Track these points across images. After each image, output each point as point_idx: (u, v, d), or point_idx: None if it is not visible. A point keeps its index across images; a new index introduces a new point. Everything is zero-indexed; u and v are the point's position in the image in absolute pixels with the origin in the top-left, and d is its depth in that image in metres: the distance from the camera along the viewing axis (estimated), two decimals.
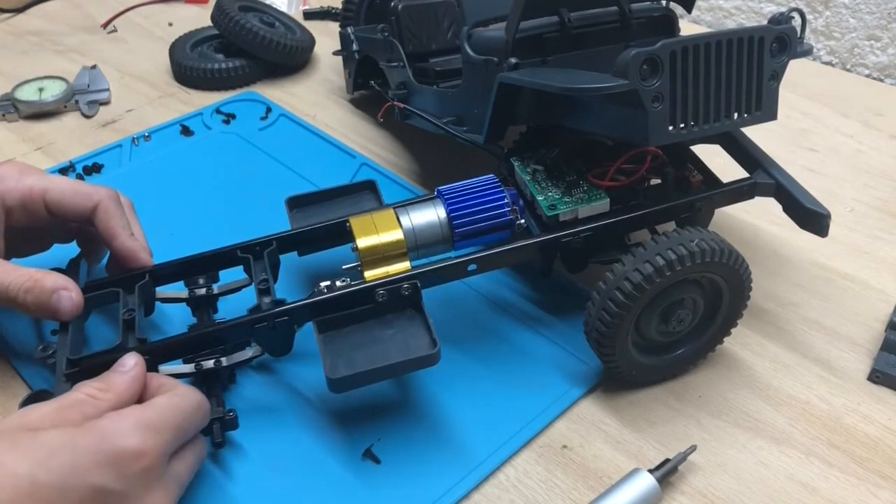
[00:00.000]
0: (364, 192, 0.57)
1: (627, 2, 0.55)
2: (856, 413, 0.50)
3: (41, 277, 0.47)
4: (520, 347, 0.54)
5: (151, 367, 0.45)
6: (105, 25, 0.98)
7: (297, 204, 0.56)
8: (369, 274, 0.48)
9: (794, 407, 0.50)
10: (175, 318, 0.55)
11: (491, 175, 0.52)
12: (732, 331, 0.52)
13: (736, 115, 0.46)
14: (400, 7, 0.69)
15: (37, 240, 0.54)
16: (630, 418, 0.50)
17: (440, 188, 0.51)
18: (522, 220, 0.51)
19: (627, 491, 0.44)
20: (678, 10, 0.58)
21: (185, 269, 0.52)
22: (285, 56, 0.84)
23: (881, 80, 0.90)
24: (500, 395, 0.50)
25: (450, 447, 0.47)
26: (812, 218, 0.52)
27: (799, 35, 0.48)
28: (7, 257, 0.51)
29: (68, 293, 0.47)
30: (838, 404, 0.51)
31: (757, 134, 0.55)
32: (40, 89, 0.81)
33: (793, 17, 0.49)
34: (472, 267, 0.49)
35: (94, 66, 0.86)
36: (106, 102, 0.82)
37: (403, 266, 0.48)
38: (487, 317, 0.56)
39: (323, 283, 0.47)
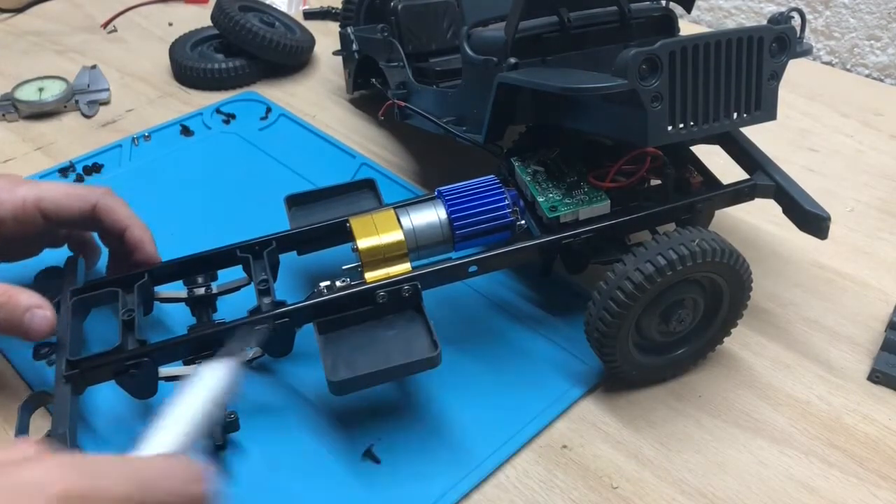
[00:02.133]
0: (363, 191, 0.57)
1: (627, 2, 0.55)
2: (856, 413, 0.50)
3: (16, 294, 0.45)
4: (520, 347, 0.54)
5: (152, 368, 0.46)
6: (105, 25, 0.98)
7: (296, 202, 0.56)
8: (370, 275, 0.47)
9: (794, 407, 0.50)
10: (174, 317, 0.55)
11: (491, 176, 0.52)
12: (732, 331, 0.52)
13: (735, 115, 0.46)
14: (400, 7, 0.69)
15: (27, 246, 0.54)
16: (630, 418, 0.50)
17: (440, 188, 0.51)
18: (523, 221, 0.51)
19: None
20: (678, 9, 0.58)
21: (184, 268, 0.52)
22: (285, 56, 0.84)
23: (881, 80, 0.90)
24: (500, 395, 0.50)
25: (450, 447, 0.47)
26: (812, 220, 0.52)
27: (798, 35, 0.48)
28: (10, 258, 0.52)
29: (42, 311, 0.45)
30: (838, 404, 0.50)
31: (757, 134, 0.55)
32: (40, 89, 0.81)
33: (792, 17, 0.49)
34: (472, 268, 0.49)
35: (94, 66, 0.86)
36: (106, 102, 0.82)
37: (404, 267, 0.48)
38: (487, 317, 0.56)
39: (323, 284, 0.47)
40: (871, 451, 0.48)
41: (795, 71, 0.52)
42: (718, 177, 0.54)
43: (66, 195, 0.51)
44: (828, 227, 0.51)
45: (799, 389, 0.51)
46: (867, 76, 0.91)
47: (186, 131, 0.76)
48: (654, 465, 0.47)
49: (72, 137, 0.77)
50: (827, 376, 0.52)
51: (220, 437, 0.45)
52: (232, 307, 0.50)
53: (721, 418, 0.50)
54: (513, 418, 0.49)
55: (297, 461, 0.47)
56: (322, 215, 0.54)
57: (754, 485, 0.46)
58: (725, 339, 0.52)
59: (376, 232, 0.48)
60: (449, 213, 0.50)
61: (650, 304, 0.47)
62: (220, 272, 0.53)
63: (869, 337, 0.55)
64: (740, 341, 0.54)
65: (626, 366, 0.49)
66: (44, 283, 0.54)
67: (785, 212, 0.53)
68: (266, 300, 0.47)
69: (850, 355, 0.54)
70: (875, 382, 0.52)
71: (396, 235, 0.48)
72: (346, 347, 0.45)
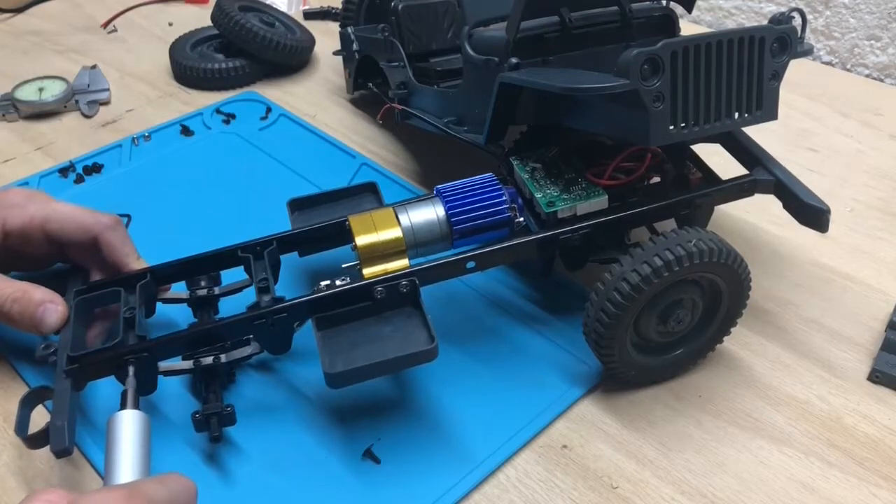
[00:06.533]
0: (365, 194, 0.57)
1: (628, 2, 0.55)
2: (856, 413, 0.50)
3: (30, 289, 0.49)
4: (520, 347, 0.54)
5: (151, 363, 0.46)
6: (105, 25, 0.98)
7: (298, 206, 0.56)
8: (368, 271, 0.48)
9: (794, 407, 0.50)
10: (177, 319, 0.54)
11: (490, 174, 0.52)
12: (732, 331, 0.52)
13: (736, 114, 0.46)
14: (400, 7, 0.69)
15: (35, 261, 0.54)
16: (630, 418, 0.50)
17: (439, 187, 0.51)
18: (521, 219, 0.51)
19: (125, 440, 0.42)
20: (678, 9, 0.58)
21: (185, 269, 0.52)
22: (285, 56, 0.84)
23: (881, 80, 0.90)
24: (500, 395, 0.50)
25: (450, 447, 0.47)
26: (812, 213, 0.51)
27: (799, 35, 0.48)
28: (8, 269, 0.53)
29: (54, 306, 0.48)
30: (838, 404, 0.50)
31: (757, 134, 0.55)
32: (40, 89, 0.81)
33: (793, 17, 0.49)
34: (470, 264, 0.49)
35: (94, 66, 0.86)
36: (106, 102, 0.82)
37: (402, 263, 0.48)
38: (487, 316, 0.56)
39: (323, 283, 0.47)
40: (871, 451, 0.48)
41: (795, 71, 0.52)
42: (718, 174, 0.54)
43: (72, 220, 0.52)
44: (828, 220, 0.51)
45: (799, 389, 0.51)
46: (867, 76, 0.91)
47: (186, 131, 0.76)
48: (654, 465, 0.47)
49: (72, 137, 0.77)
50: (827, 376, 0.52)
51: (216, 428, 0.45)
52: (234, 309, 0.50)
53: (721, 418, 0.50)
54: (513, 418, 0.49)
55: (296, 461, 0.47)
56: (324, 219, 0.54)
57: (754, 485, 0.46)
58: (725, 339, 0.52)
59: (375, 229, 0.49)
60: (447, 210, 0.50)
61: (648, 305, 0.47)
62: (222, 273, 0.53)
63: (869, 337, 0.55)
64: (740, 341, 0.54)
65: (624, 366, 0.49)
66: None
67: (785, 206, 0.53)
68: (265, 297, 0.47)
69: (850, 355, 0.54)
70: (875, 382, 0.52)
71: (395, 232, 0.49)
72: (344, 342, 0.45)
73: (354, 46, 0.75)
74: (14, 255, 0.53)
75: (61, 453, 0.41)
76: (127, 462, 0.41)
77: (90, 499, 0.34)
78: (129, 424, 0.42)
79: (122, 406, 0.43)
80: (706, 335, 0.51)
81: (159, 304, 0.52)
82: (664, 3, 0.58)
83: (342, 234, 0.51)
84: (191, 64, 0.84)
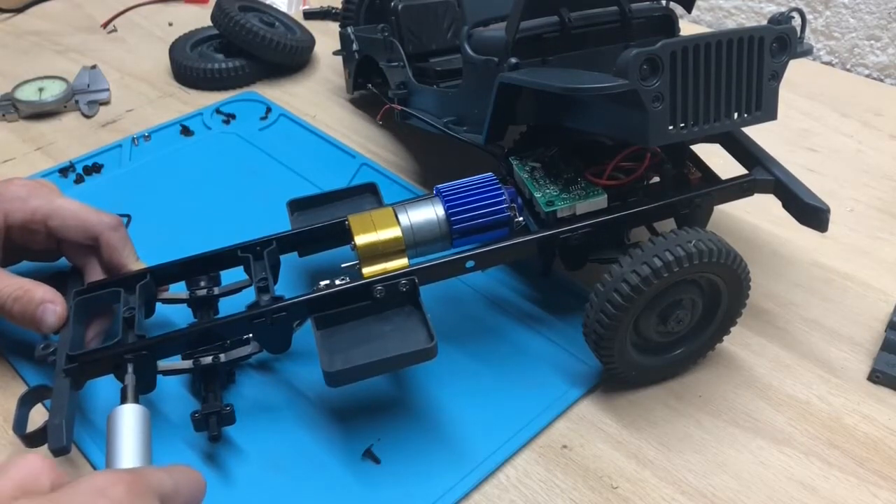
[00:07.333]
0: (365, 195, 0.57)
1: (627, 2, 0.55)
2: (856, 413, 0.50)
3: (31, 288, 0.49)
4: (520, 347, 0.54)
5: (150, 362, 0.46)
6: (105, 25, 0.98)
7: (298, 207, 0.56)
8: (367, 270, 0.48)
9: (794, 407, 0.50)
10: (177, 320, 0.54)
11: (489, 173, 0.52)
12: (732, 330, 0.52)
13: (736, 115, 0.46)
14: (400, 7, 0.69)
15: (40, 253, 0.55)
16: (630, 418, 0.49)
17: (438, 186, 0.51)
18: (521, 218, 0.51)
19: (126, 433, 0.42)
20: (678, 9, 0.58)
21: (185, 269, 0.52)
22: (285, 56, 0.84)
23: (881, 80, 0.90)
24: (500, 395, 0.50)
25: (450, 447, 0.47)
26: (811, 213, 0.51)
27: (799, 35, 0.48)
28: (14, 261, 0.53)
29: (54, 307, 0.48)
30: (838, 404, 0.50)
31: (757, 134, 0.55)
32: (40, 89, 0.81)
33: (793, 17, 0.49)
34: (469, 263, 0.49)
35: (94, 66, 0.86)
36: (106, 102, 0.82)
37: (401, 263, 0.48)
38: (487, 316, 0.56)
39: (323, 283, 0.47)
40: (871, 451, 0.48)
41: (795, 71, 0.52)
42: (719, 175, 0.54)
43: (74, 218, 0.52)
44: (827, 220, 0.51)
45: (799, 389, 0.51)
46: (867, 76, 0.91)
47: (186, 131, 0.76)
48: (654, 465, 0.47)
49: (72, 137, 0.77)
50: (827, 376, 0.52)
51: (215, 428, 0.45)
52: (233, 309, 0.50)
53: (721, 418, 0.50)
54: (513, 418, 0.49)
55: (296, 461, 0.47)
56: (324, 219, 0.54)
57: (754, 485, 0.46)
58: (725, 339, 0.52)
59: (374, 228, 0.49)
60: (446, 209, 0.50)
61: (648, 305, 0.47)
62: (222, 273, 0.53)
63: (869, 337, 0.55)
64: (740, 341, 0.54)
65: (624, 366, 0.49)
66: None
67: (784, 206, 0.53)
68: (265, 297, 0.47)
69: (850, 355, 0.54)
70: (875, 382, 0.52)
71: (394, 232, 0.49)
72: (343, 341, 0.45)
73: (354, 46, 0.75)
74: (18, 247, 0.53)
75: (59, 451, 0.42)
76: (129, 452, 0.41)
77: (92, 480, 0.32)
78: (129, 417, 0.42)
79: (123, 401, 0.44)
80: (706, 335, 0.51)
81: (159, 305, 0.52)
82: (664, 3, 0.58)
83: (342, 234, 0.51)
84: (191, 64, 0.84)
